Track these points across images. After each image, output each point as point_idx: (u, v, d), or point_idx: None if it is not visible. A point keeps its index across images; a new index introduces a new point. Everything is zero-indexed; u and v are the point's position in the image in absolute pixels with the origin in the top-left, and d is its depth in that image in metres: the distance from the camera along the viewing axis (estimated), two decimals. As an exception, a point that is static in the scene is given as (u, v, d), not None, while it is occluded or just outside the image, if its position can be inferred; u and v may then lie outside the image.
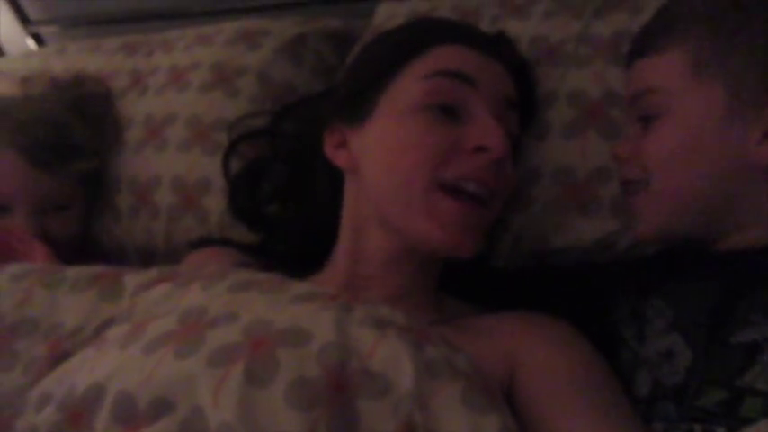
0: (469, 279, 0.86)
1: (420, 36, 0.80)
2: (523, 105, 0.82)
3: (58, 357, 0.65)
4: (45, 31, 1.64)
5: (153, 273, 0.73)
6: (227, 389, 0.54)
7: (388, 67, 0.78)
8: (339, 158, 0.81)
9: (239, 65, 1.05)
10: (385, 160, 0.75)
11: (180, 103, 1.04)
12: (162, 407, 0.55)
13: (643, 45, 0.77)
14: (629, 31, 0.87)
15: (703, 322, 0.67)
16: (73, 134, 1.02)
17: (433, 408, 0.56)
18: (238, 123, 0.99)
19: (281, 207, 0.95)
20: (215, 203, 0.98)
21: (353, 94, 0.81)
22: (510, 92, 0.78)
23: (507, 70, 0.80)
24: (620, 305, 0.77)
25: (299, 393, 0.54)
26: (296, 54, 1.07)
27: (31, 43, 1.63)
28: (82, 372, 0.61)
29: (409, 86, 0.76)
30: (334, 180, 0.83)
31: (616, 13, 0.90)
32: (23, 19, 1.62)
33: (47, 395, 0.61)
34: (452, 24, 0.88)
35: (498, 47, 0.82)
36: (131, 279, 0.72)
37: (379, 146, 0.76)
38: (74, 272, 0.73)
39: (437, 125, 0.73)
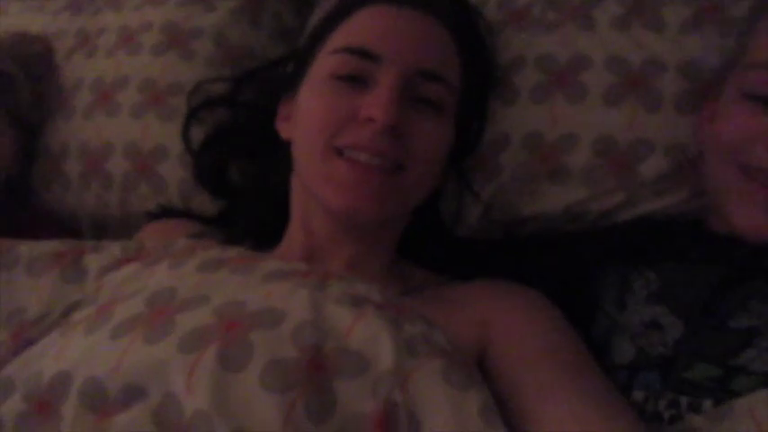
0: (439, 250, 0.85)
1: (345, 2, 0.79)
2: (474, 60, 0.80)
3: (22, 345, 0.62)
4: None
5: (116, 250, 0.69)
6: (199, 374, 0.53)
7: (318, 37, 0.79)
8: (282, 131, 0.82)
9: (194, 26, 1.01)
10: (299, 131, 0.76)
11: (132, 65, 0.99)
12: (133, 393, 0.53)
13: None
14: (600, -5, 0.87)
15: (699, 303, 0.67)
16: None
17: (414, 386, 0.55)
18: (198, 89, 0.95)
19: (244, 175, 0.93)
20: (172, 171, 0.94)
21: (296, 65, 0.81)
22: (427, 57, 0.74)
23: (445, 25, 0.77)
24: (607, 273, 0.76)
25: (274, 376, 0.53)
26: (254, 16, 1.03)
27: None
28: (46, 358, 0.58)
29: (323, 59, 0.76)
30: (289, 151, 0.81)
31: (584, -24, 0.89)
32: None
33: (9, 382, 0.58)
34: None
35: (433, 1, 0.78)
36: (93, 259, 0.68)
37: (298, 117, 0.77)
38: (26, 249, 0.69)
39: (338, 94, 0.72)
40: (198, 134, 0.93)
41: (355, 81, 0.72)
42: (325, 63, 0.75)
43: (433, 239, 0.87)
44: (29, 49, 1.03)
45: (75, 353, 0.57)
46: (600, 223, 0.82)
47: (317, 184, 0.72)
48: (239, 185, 0.93)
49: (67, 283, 0.66)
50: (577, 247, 0.81)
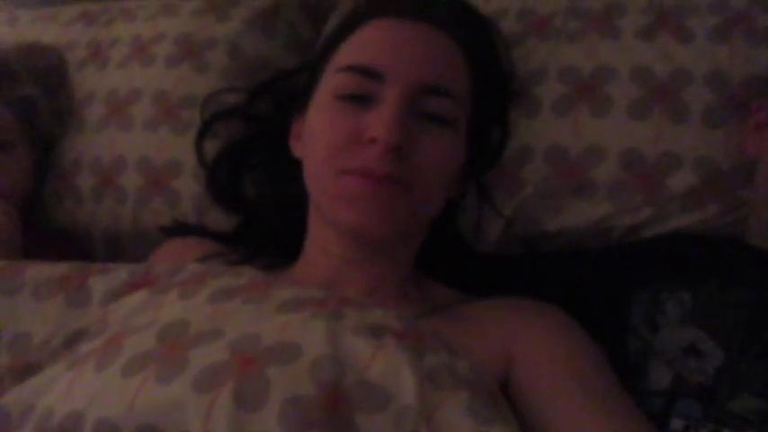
0: (458, 266, 0.83)
1: (350, 17, 0.78)
2: (486, 70, 0.78)
3: (23, 370, 0.61)
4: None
5: (122, 274, 0.67)
6: (217, 415, 0.51)
7: (324, 54, 0.77)
8: (295, 149, 0.80)
9: (208, 37, 0.99)
10: (308, 152, 0.75)
11: (145, 77, 0.98)
12: None
13: None
14: (620, 5, 0.84)
15: (741, 329, 0.65)
16: (9, 62, 0.97)
17: (439, 420, 0.53)
18: (210, 100, 0.93)
19: (259, 191, 0.91)
20: (186, 186, 0.92)
21: (306, 82, 0.80)
22: (431, 72, 0.71)
23: (452, 37, 0.74)
24: (636, 290, 0.74)
25: (293, 414, 0.51)
26: (268, 26, 1.02)
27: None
28: (53, 394, 0.56)
29: (328, 78, 0.74)
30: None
31: (607, -15, 0.87)
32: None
33: (3, 412, 0.57)
34: None
35: (439, 12, 0.76)
36: (98, 282, 0.66)
37: (306, 136, 0.75)
38: (33, 273, 0.67)
39: (342, 115, 0.71)
40: (212, 148, 0.92)
41: (359, 101, 0.71)
42: (330, 82, 0.73)
43: (452, 255, 0.85)
44: (42, 60, 1.02)
45: (86, 391, 0.55)
46: (625, 239, 0.80)
47: (328, 204, 0.71)
48: (254, 201, 0.91)
49: (72, 307, 0.65)
50: (604, 263, 0.79)
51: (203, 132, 0.92)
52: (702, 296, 0.69)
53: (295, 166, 0.80)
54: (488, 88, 0.78)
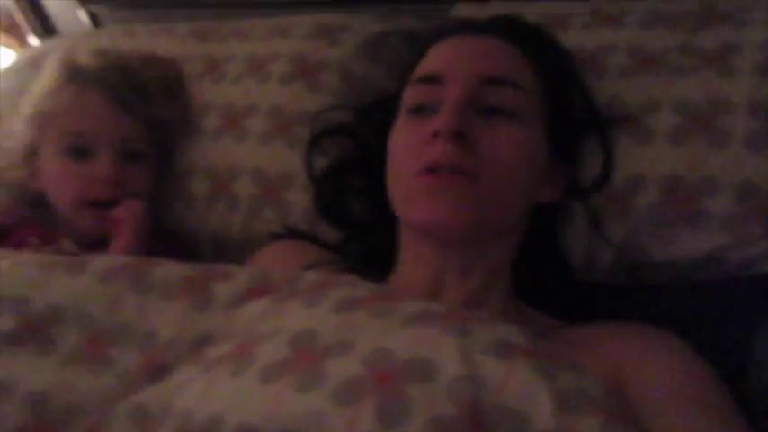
0: (564, 293, 0.84)
1: (422, 42, 0.85)
2: (550, 66, 0.82)
3: (155, 370, 0.61)
4: (95, 10, 1.58)
5: (242, 279, 0.67)
6: (359, 428, 0.51)
7: (405, 80, 0.83)
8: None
9: (320, 59, 1.04)
10: (389, 167, 0.80)
11: (260, 93, 1.02)
12: None
13: None
14: (736, 45, 0.86)
15: None
16: (149, 81, 1.04)
17: None
18: (320, 117, 0.97)
19: (364, 207, 0.94)
20: (297, 198, 0.95)
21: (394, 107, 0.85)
22: (489, 66, 0.77)
23: (509, 41, 0.80)
24: (760, 326, 0.74)
25: None
26: (376, 51, 1.06)
27: (85, 21, 1.56)
28: (189, 395, 0.57)
29: (405, 94, 0.81)
30: None
31: (719, 26, 0.89)
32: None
33: (142, 410, 0.58)
34: (447, 21, 0.90)
35: (490, 24, 0.83)
36: (220, 287, 0.67)
37: (388, 154, 0.81)
38: (162, 273, 0.68)
39: (414, 125, 0.77)
40: (322, 163, 0.95)
41: (422, 112, 0.77)
42: (404, 100, 0.80)
43: (554, 281, 0.86)
44: (164, 70, 1.07)
45: (225, 395, 0.56)
46: (738, 273, 0.81)
47: (403, 207, 0.76)
48: (358, 218, 0.94)
49: (197, 310, 0.65)
50: (719, 296, 0.79)
51: (311, 147, 0.95)
52: None
53: None
54: (558, 86, 0.82)
